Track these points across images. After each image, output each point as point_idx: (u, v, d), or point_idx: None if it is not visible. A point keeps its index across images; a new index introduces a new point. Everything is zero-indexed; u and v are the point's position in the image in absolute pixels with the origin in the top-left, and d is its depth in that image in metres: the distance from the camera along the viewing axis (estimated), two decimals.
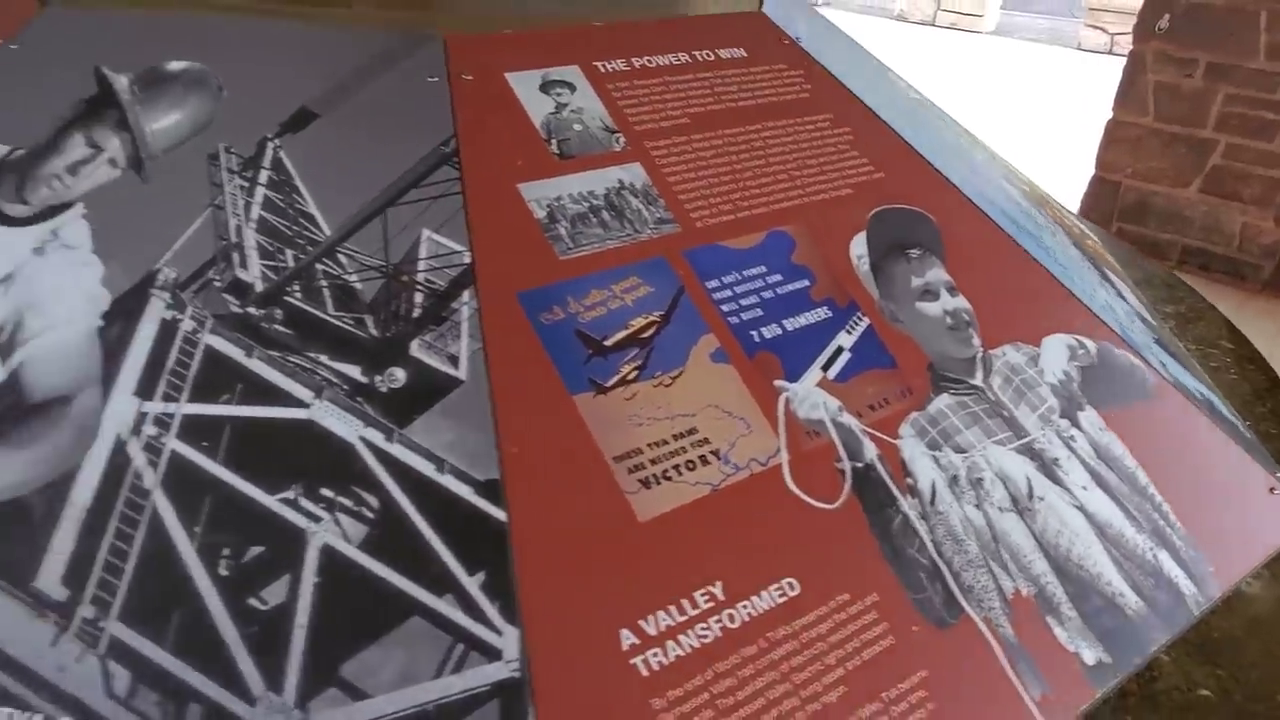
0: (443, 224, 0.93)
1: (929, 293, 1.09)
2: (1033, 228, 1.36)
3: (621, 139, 1.08)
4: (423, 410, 0.84)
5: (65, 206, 0.96)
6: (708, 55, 1.22)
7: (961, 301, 1.10)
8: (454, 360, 0.86)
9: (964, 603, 0.87)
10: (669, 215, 1.04)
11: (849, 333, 1.06)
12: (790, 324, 1.03)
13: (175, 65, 1.04)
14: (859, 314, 1.07)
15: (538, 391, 0.86)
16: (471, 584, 0.76)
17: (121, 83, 1.02)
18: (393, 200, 0.95)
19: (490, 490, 0.80)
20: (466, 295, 0.90)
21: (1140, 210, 4.74)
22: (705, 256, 1.03)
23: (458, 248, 0.92)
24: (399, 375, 0.86)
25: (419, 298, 0.91)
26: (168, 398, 0.84)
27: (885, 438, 0.96)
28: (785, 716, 0.75)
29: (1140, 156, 4.81)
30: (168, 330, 0.88)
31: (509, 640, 0.73)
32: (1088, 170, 4.84)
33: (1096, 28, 10.96)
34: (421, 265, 0.92)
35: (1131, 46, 4.84)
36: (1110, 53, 10.69)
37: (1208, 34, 4.48)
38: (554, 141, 1.04)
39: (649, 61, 1.17)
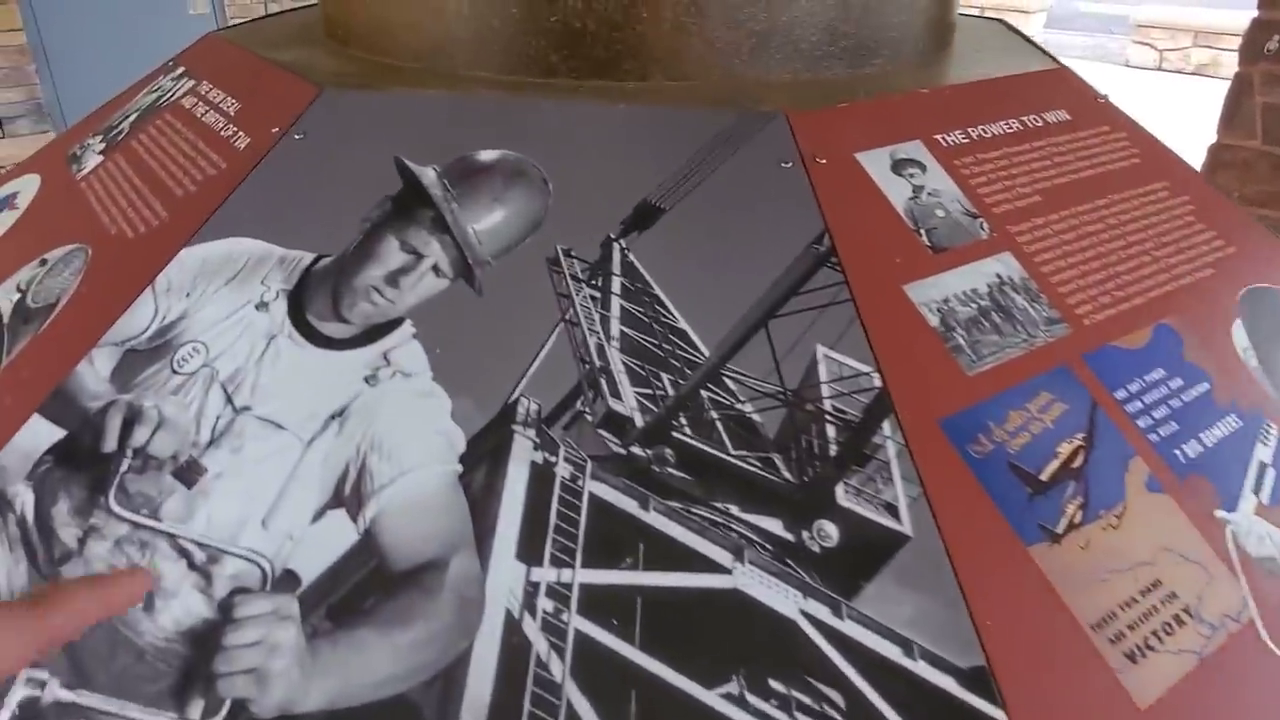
0: (839, 338, 0.80)
1: None
2: None
3: (984, 224, 0.94)
4: (868, 575, 0.70)
5: (392, 324, 0.84)
6: (1035, 121, 1.08)
7: None
8: (892, 510, 0.73)
9: None
10: (1056, 314, 0.90)
11: (1264, 444, 0.91)
12: (1206, 437, 0.88)
13: (486, 155, 0.91)
14: (1266, 421, 0.93)
15: (993, 546, 0.72)
16: None
17: (429, 176, 0.90)
18: (773, 311, 0.81)
19: (977, 681, 0.66)
20: (886, 426, 0.76)
21: None
22: (1104, 361, 0.89)
23: (861, 367, 0.79)
24: (831, 531, 0.72)
25: (831, 430, 0.77)
26: (558, 562, 0.71)
27: None
28: None
29: (1249, 180, 4.62)
30: (541, 477, 0.75)
31: None
32: None
33: (1145, 44, 10.77)
34: (825, 390, 0.78)
35: (1237, 69, 4.67)
36: (1159, 69, 10.49)
37: None
38: (922, 232, 0.90)
39: (984, 131, 1.03)
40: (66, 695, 0.68)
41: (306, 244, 0.89)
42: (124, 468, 0.77)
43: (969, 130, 1.02)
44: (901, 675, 0.66)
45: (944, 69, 1.17)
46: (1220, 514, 0.83)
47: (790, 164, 0.89)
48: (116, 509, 0.76)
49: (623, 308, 0.83)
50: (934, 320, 0.84)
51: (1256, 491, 0.86)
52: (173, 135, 1.12)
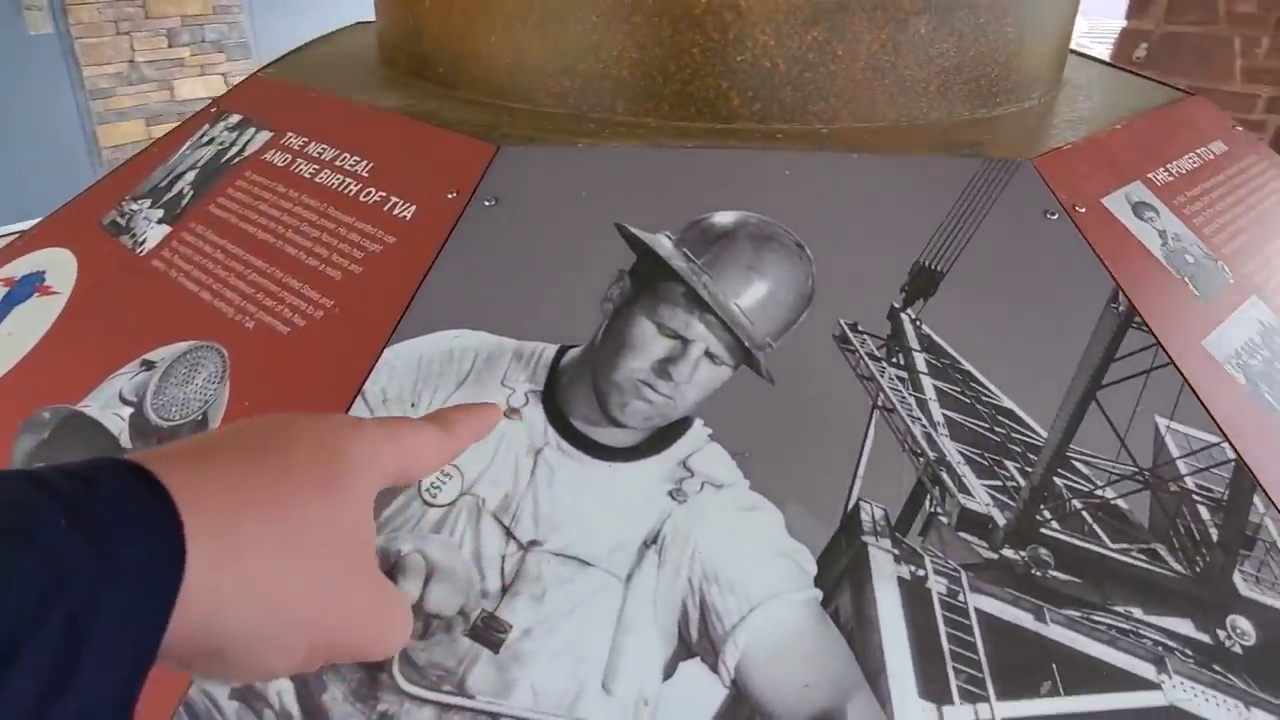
0: (1174, 407, 0.74)
1: None
2: None
3: (1225, 268, 0.91)
4: None
5: (681, 426, 0.72)
6: (1207, 154, 1.06)
7: None
8: None
9: None
10: None
11: None
12: None
13: (722, 217, 0.80)
14: None
15: None
16: None
17: (665, 246, 0.78)
18: (1098, 382, 0.74)
19: None
20: (1258, 502, 0.71)
21: None
22: None
23: (1209, 438, 0.73)
24: (1246, 628, 0.66)
25: (1204, 512, 0.71)
26: (970, 697, 0.62)
27: None
28: None
29: None
30: (915, 595, 0.65)
31: None
32: None
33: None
34: (1183, 467, 0.72)
35: None
36: None
37: (1184, 60, 4.66)
38: (1186, 280, 0.86)
39: (1178, 169, 1.00)
40: None
41: (535, 333, 0.76)
42: None
43: (1171, 167, 0.99)
44: None
45: (1082, 102, 1.14)
46: None
47: (1056, 215, 0.83)
48: (408, 688, 0.61)
49: (936, 388, 0.74)
50: (1241, 378, 0.79)
51: None
52: (279, 200, 0.94)
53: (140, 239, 1.00)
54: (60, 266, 1.04)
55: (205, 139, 1.11)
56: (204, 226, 0.97)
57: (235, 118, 1.11)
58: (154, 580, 0.33)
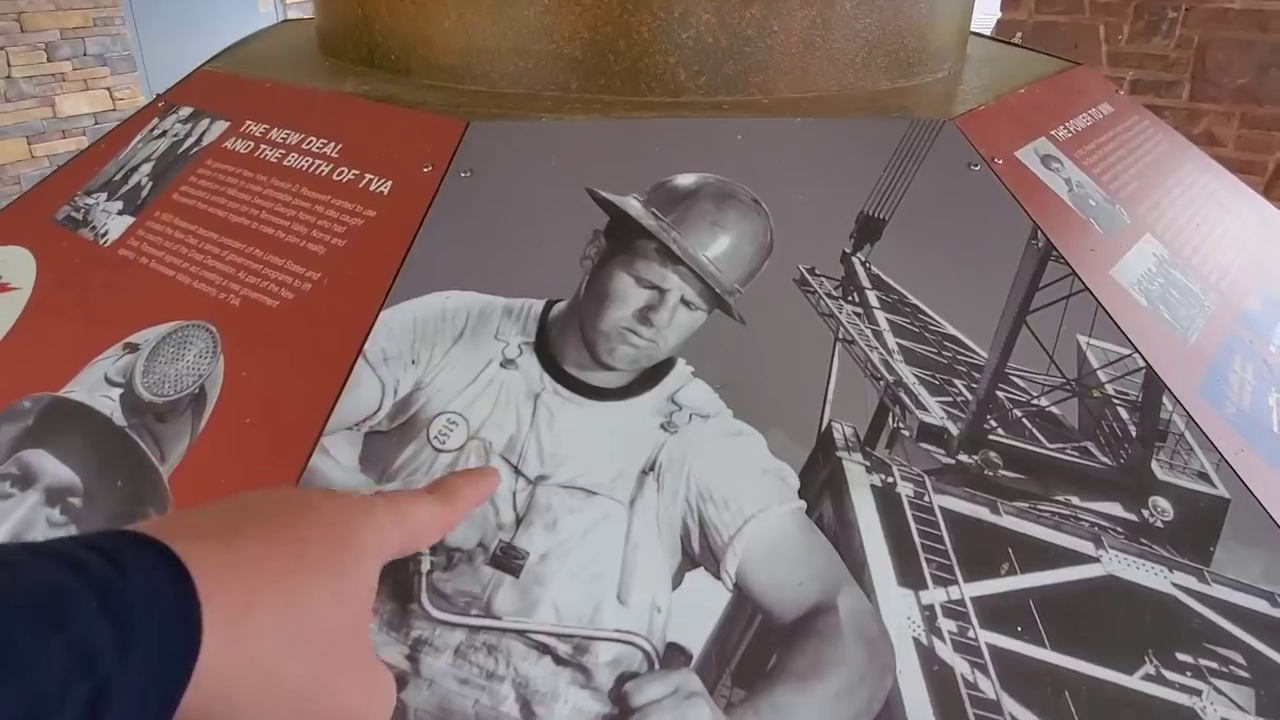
0: (1092, 326, 0.84)
1: None
2: None
3: (1123, 210, 1.02)
4: (1209, 540, 0.75)
5: (666, 366, 0.78)
6: (1098, 114, 1.19)
7: None
8: (1205, 477, 0.78)
9: None
10: (1202, 284, 0.99)
11: None
12: None
13: (684, 179, 0.87)
14: None
15: None
16: None
17: (635, 206, 0.84)
18: (1027, 308, 0.84)
19: None
20: (1166, 402, 0.81)
21: None
22: (1249, 323, 0.99)
23: (1123, 350, 0.84)
24: (1166, 506, 0.76)
25: (1123, 413, 0.81)
26: (942, 582, 0.70)
27: None
28: None
29: None
30: (888, 499, 0.73)
31: None
32: None
33: None
34: (1103, 376, 0.82)
35: None
36: None
37: (1055, 47, 4.95)
38: (1091, 220, 0.97)
39: (1075, 126, 1.12)
40: None
41: (521, 290, 0.81)
42: (427, 568, 0.67)
43: (1068, 125, 1.10)
44: (1275, 626, 0.72)
45: (985, 73, 1.25)
46: None
47: (978, 167, 0.93)
48: (439, 615, 0.66)
49: (889, 320, 0.83)
50: (1144, 301, 0.90)
51: None
52: (247, 184, 0.96)
53: (102, 231, 1.01)
54: (16, 263, 1.04)
55: (157, 132, 1.12)
56: (170, 214, 0.98)
57: (186, 110, 1.12)
58: (170, 664, 0.36)
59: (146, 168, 1.07)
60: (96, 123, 5.53)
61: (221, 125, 1.06)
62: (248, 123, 1.05)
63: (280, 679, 0.40)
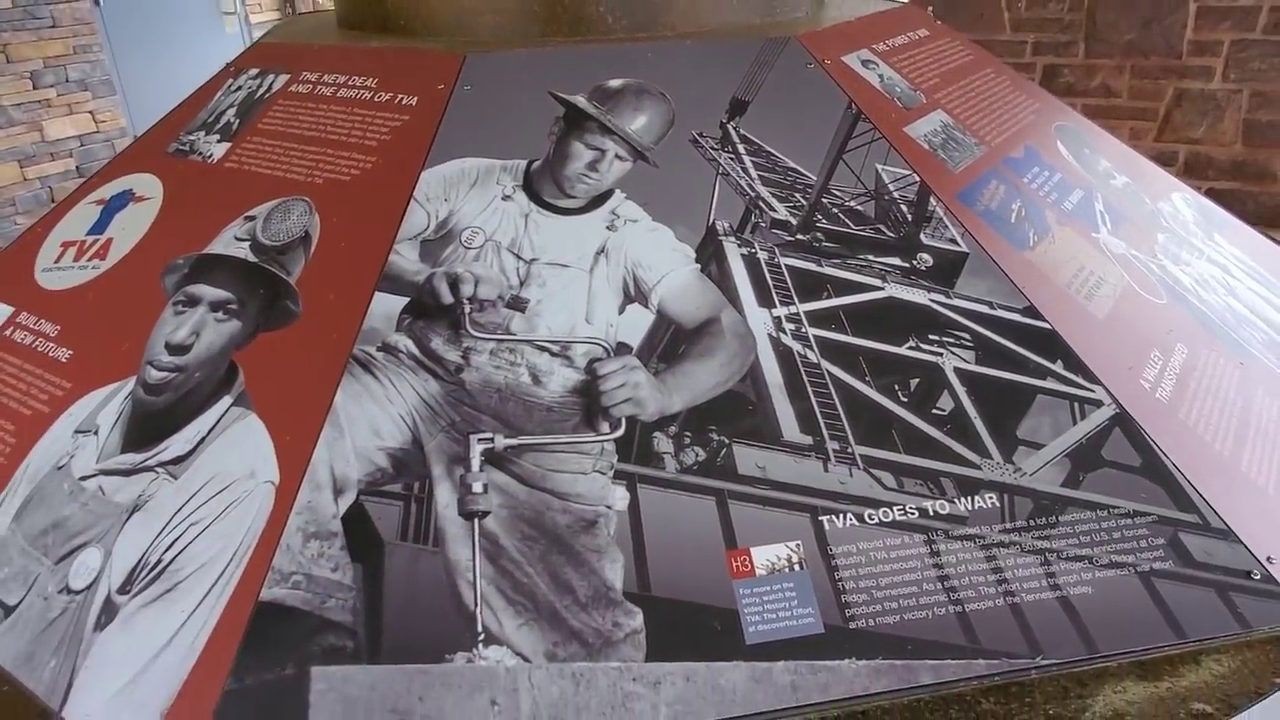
0: (886, 160, 1.29)
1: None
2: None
3: (921, 95, 1.47)
4: (955, 276, 1.20)
5: (607, 194, 1.22)
6: (914, 35, 1.64)
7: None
8: (954, 242, 1.23)
9: None
10: (977, 140, 1.45)
11: (1097, 203, 1.52)
12: (1072, 199, 1.47)
13: (615, 82, 1.31)
14: (1095, 192, 1.54)
15: (1007, 251, 1.24)
16: (1058, 366, 1.13)
17: (582, 100, 1.28)
18: (843, 150, 1.29)
19: (1030, 311, 1.17)
20: (932, 201, 1.26)
21: None
22: (1010, 163, 1.45)
23: (905, 172, 1.28)
24: (927, 258, 1.21)
25: (904, 208, 1.26)
26: (786, 301, 1.14)
27: None
28: None
29: None
30: (751, 261, 1.17)
31: (1104, 392, 1.12)
32: None
33: None
34: (892, 187, 1.27)
35: None
36: None
37: (963, 17, 5.46)
38: (895, 99, 1.42)
39: (894, 43, 1.57)
40: (511, 441, 1.02)
41: (510, 155, 1.25)
42: (468, 310, 1.10)
43: (888, 42, 1.55)
44: (992, 317, 1.16)
45: (841, 10, 1.70)
46: (1094, 235, 1.41)
47: (812, 65, 1.37)
48: (478, 335, 1.09)
49: (752, 161, 1.27)
50: (925, 146, 1.35)
51: (1103, 223, 1.46)
52: (313, 110, 1.39)
53: (207, 155, 1.43)
54: (145, 184, 1.45)
55: (235, 88, 1.54)
56: (259, 137, 1.40)
57: (254, 70, 1.55)
58: None
59: (231, 111, 1.49)
60: (82, 144, 5.87)
61: (284, 77, 1.49)
62: (304, 73, 1.47)
63: None
